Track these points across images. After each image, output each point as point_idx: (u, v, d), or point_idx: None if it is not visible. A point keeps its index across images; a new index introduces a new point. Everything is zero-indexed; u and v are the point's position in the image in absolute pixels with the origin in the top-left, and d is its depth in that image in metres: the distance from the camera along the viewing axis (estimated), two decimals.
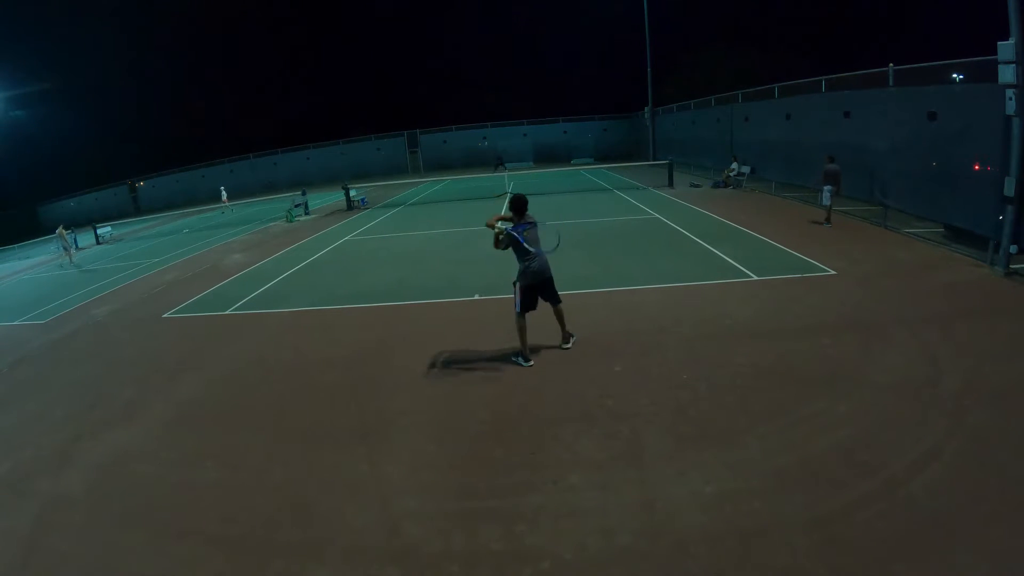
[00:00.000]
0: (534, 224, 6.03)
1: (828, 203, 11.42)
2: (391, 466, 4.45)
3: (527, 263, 5.91)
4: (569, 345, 6.36)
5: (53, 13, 42.25)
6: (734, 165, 19.14)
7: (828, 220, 11.64)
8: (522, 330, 6.03)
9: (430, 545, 3.54)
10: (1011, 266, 7.58)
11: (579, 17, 41.20)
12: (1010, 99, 7.39)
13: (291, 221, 20.94)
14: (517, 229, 5.89)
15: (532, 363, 6.02)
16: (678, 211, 14.84)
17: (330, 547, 3.63)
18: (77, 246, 21.35)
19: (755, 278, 8.32)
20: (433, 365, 6.31)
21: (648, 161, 27.54)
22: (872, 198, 11.68)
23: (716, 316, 6.92)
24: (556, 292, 6.17)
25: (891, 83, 10.95)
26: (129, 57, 45.93)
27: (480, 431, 4.81)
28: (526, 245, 5.86)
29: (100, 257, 19.51)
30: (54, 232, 22.28)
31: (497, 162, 34.78)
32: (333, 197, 27.04)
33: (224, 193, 30.41)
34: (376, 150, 43.20)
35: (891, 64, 10.85)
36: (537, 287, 5.99)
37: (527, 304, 5.97)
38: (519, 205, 6.06)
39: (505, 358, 6.26)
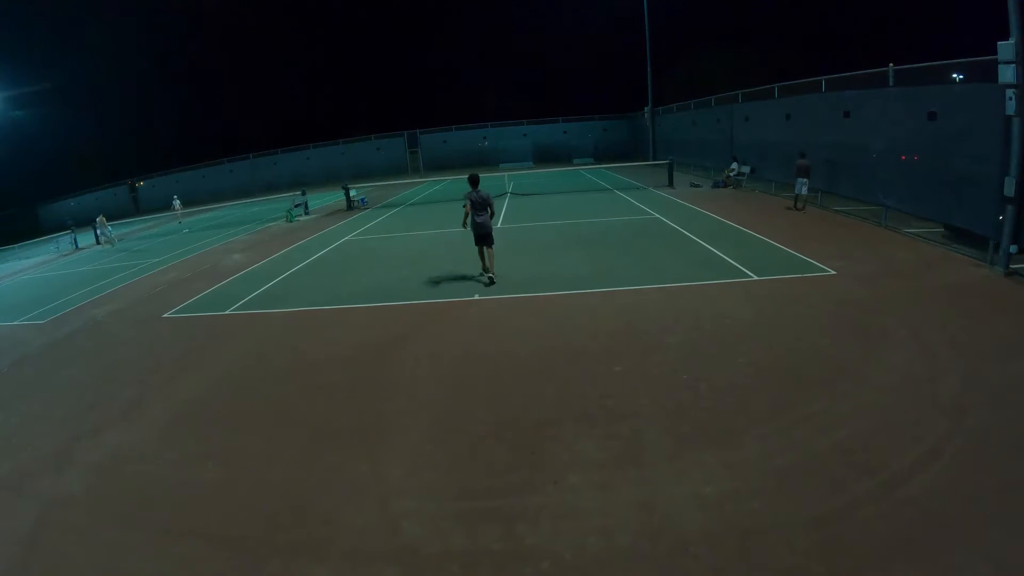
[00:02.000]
0: (483, 198, 8.99)
1: (801, 192, 13.22)
2: (391, 466, 4.45)
3: (472, 221, 9.03)
4: (492, 274, 9.27)
5: (53, 13, 42.28)
6: (734, 165, 19.15)
7: (797, 207, 13.43)
8: (480, 256, 9.38)
9: (430, 545, 3.55)
10: (1011, 266, 7.57)
11: (579, 17, 41.23)
12: (1010, 99, 7.39)
13: (291, 221, 20.95)
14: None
15: (486, 277, 9.28)
16: (678, 211, 14.84)
17: (330, 547, 3.63)
18: (97, 241, 21.47)
19: (755, 278, 8.32)
20: (433, 365, 6.31)
21: (648, 161, 27.53)
22: (872, 198, 11.68)
23: (716, 316, 6.92)
24: (491, 240, 9.17)
25: (891, 83, 10.95)
26: (129, 57, 45.94)
27: (480, 431, 4.81)
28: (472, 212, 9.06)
29: (99, 257, 19.50)
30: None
31: (596, 152, 38.38)
32: (333, 197, 27.05)
33: (177, 202, 28.80)
34: (376, 150, 43.16)
35: (891, 64, 10.85)
36: (478, 237, 9.10)
37: (478, 247, 9.29)
38: (473, 180, 9.17)
39: (505, 357, 6.27)
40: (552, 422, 4.83)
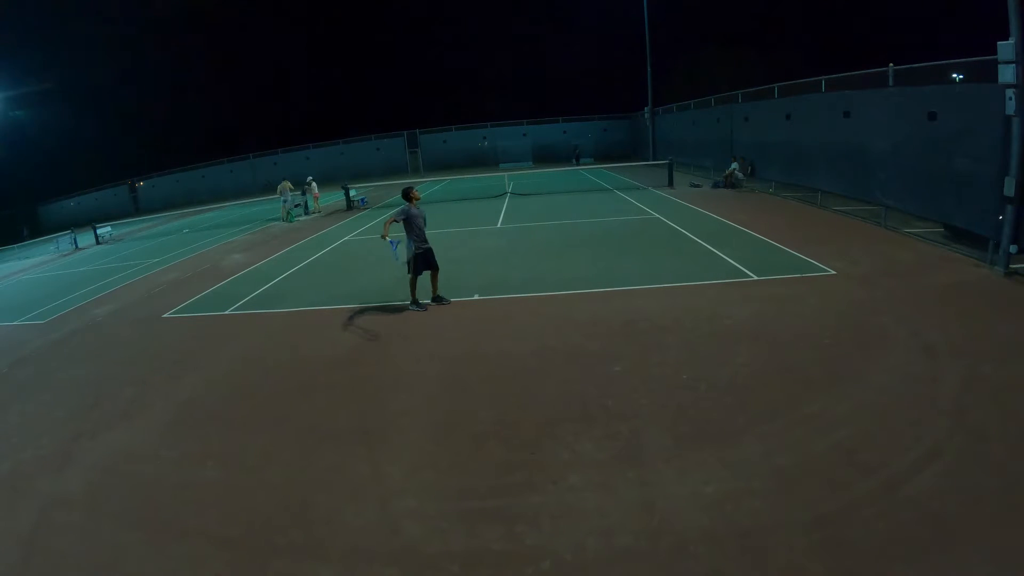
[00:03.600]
0: (420, 216, 8.03)
1: (732, 169, 15.41)
2: (391, 466, 4.45)
3: (416, 245, 7.96)
4: (443, 301, 8.34)
5: (53, 13, 42.28)
6: (734, 165, 19.13)
7: (728, 184, 15.69)
8: (413, 287, 8.18)
9: (430, 545, 3.54)
10: (1011, 266, 7.57)
11: (579, 17, 41.26)
12: (1010, 99, 7.38)
13: (291, 221, 20.95)
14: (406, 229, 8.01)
15: (425, 305, 8.23)
16: (678, 211, 14.83)
17: (330, 547, 3.63)
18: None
19: (755, 278, 8.32)
20: (433, 365, 6.31)
21: (648, 161, 27.53)
22: (872, 198, 11.68)
23: (716, 316, 6.92)
24: (436, 263, 8.23)
25: (891, 83, 10.94)
26: (128, 57, 45.94)
27: (480, 431, 4.81)
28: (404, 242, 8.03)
29: (100, 257, 19.50)
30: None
31: (575, 153, 36.98)
32: (333, 197, 27.03)
33: None
34: (376, 150, 43.11)
35: (891, 64, 10.84)
36: (420, 257, 8.02)
37: (418, 270, 8.11)
38: (407, 193, 8.15)
39: (505, 357, 6.27)
40: (552, 422, 4.82)
